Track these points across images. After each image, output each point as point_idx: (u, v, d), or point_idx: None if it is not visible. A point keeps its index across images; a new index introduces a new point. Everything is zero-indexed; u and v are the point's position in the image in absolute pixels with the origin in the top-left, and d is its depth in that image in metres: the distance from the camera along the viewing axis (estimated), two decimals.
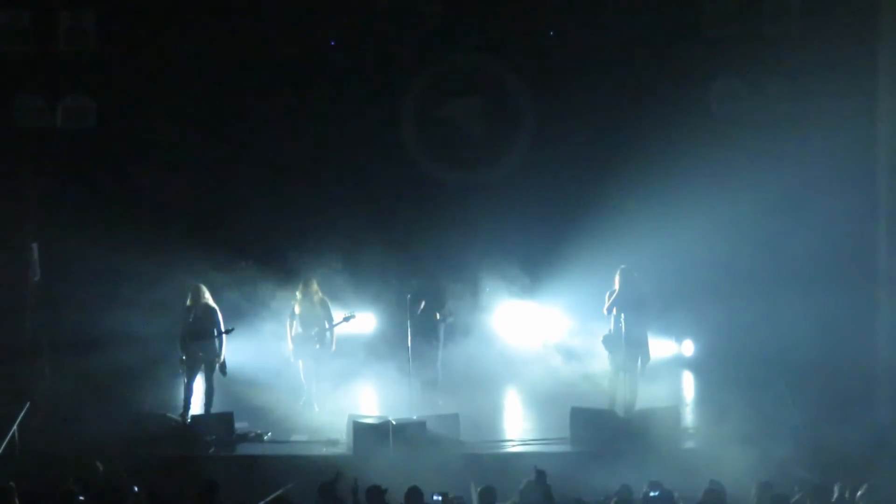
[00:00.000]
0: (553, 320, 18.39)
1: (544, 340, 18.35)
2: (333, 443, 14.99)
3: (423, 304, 16.64)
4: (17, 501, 11.11)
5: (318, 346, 16.45)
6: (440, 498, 11.61)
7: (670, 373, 17.78)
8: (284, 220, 17.94)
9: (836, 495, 11.57)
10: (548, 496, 11.36)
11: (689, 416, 16.24)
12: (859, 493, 11.36)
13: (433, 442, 14.62)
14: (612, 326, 15.51)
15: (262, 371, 16.81)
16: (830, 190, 16.85)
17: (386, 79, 17.93)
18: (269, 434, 15.44)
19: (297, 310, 16.55)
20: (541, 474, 11.44)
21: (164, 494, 11.70)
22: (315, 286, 16.59)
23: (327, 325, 16.53)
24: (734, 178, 17.02)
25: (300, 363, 16.58)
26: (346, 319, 16.68)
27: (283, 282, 17.33)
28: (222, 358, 15.75)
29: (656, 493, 11.28)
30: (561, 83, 18.05)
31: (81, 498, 11.32)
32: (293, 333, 16.51)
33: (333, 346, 16.54)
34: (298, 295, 16.57)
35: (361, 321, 17.72)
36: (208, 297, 15.84)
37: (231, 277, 17.45)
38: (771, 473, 12.32)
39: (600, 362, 16.07)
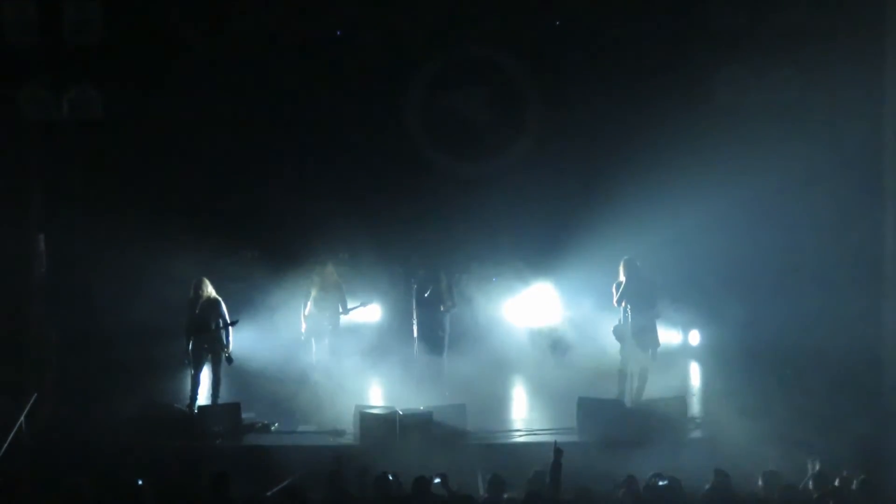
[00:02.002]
0: (559, 310, 18.41)
1: (550, 329, 18.37)
2: (340, 433, 15.01)
3: (429, 289, 16.68)
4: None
5: (330, 328, 16.75)
6: (439, 480, 11.63)
7: (677, 363, 17.80)
8: (291, 211, 17.92)
9: (841, 482, 11.58)
10: (557, 481, 11.33)
11: (695, 406, 16.27)
12: (862, 479, 11.38)
13: (440, 432, 14.64)
14: (621, 317, 15.55)
15: (269, 361, 16.83)
16: (836, 181, 16.82)
17: (392, 69, 17.91)
18: (277, 424, 15.46)
19: (312, 292, 16.82)
20: (559, 453, 11.42)
21: (171, 485, 11.72)
22: (331, 269, 16.95)
23: (341, 309, 16.84)
24: (740, 169, 16.99)
25: (313, 342, 16.79)
26: (362, 304, 17.10)
27: (289, 273, 17.40)
28: (229, 349, 15.79)
29: (664, 482, 11.28)
30: (567, 73, 18.03)
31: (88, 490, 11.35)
32: (307, 314, 16.80)
33: (343, 311, 16.84)
34: (315, 277, 16.86)
35: (368, 311, 17.86)
36: (212, 290, 15.90)
37: (237, 268, 17.49)
38: (777, 462, 12.32)
39: (608, 352, 16.08)
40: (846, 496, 11.40)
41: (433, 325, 16.73)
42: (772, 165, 16.86)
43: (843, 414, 14.73)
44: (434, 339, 16.75)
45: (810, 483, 11.73)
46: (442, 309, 16.81)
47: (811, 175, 16.90)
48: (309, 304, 16.90)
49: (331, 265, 17.07)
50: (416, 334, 16.81)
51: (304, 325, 16.92)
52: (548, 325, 18.39)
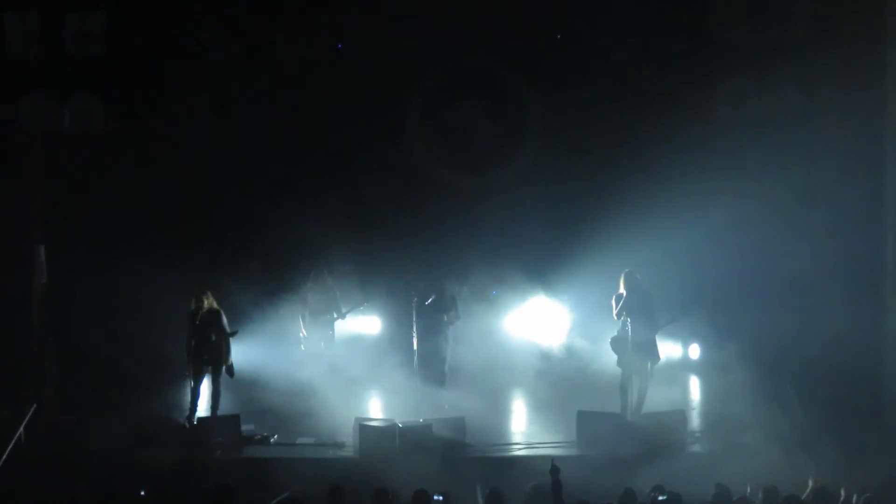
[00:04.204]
0: (560, 322, 18.41)
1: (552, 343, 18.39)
2: (340, 445, 15.00)
3: (432, 297, 16.69)
4: None
5: (329, 333, 17.10)
6: (441, 498, 11.62)
7: (677, 376, 17.80)
8: (292, 223, 17.91)
9: (842, 499, 11.56)
10: (559, 499, 11.32)
11: (695, 420, 16.25)
12: (866, 497, 11.34)
13: (439, 445, 14.62)
14: (619, 329, 15.53)
15: (268, 373, 16.83)
16: (837, 193, 16.81)
17: (393, 81, 17.94)
18: (276, 437, 15.44)
19: (309, 300, 17.14)
20: (556, 471, 11.41)
21: (170, 497, 11.71)
22: (327, 277, 17.29)
23: (336, 315, 17.11)
24: (740, 181, 17.00)
25: (311, 352, 17.08)
26: (357, 307, 17.40)
27: (290, 284, 17.44)
28: (229, 360, 15.79)
29: (664, 498, 11.25)
30: (567, 86, 18.06)
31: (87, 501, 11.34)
32: (305, 322, 17.20)
33: (339, 316, 17.27)
34: (311, 285, 17.19)
35: (368, 324, 17.96)
36: (213, 300, 15.90)
37: (238, 279, 17.49)
38: (778, 477, 12.29)
39: (608, 365, 16.07)
40: None
41: (435, 337, 16.72)
42: (772, 177, 16.87)
43: (843, 428, 14.71)
44: (435, 351, 16.74)
45: (811, 498, 11.70)
46: (445, 320, 16.81)
47: (812, 186, 16.90)
48: (306, 312, 17.18)
49: (326, 272, 17.33)
50: (415, 347, 16.80)
51: (303, 331, 17.19)
52: (550, 338, 18.40)
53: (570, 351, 18.16)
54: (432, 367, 16.77)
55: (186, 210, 17.95)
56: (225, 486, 11.28)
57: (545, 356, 18.29)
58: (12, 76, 16.39)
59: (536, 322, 18.51)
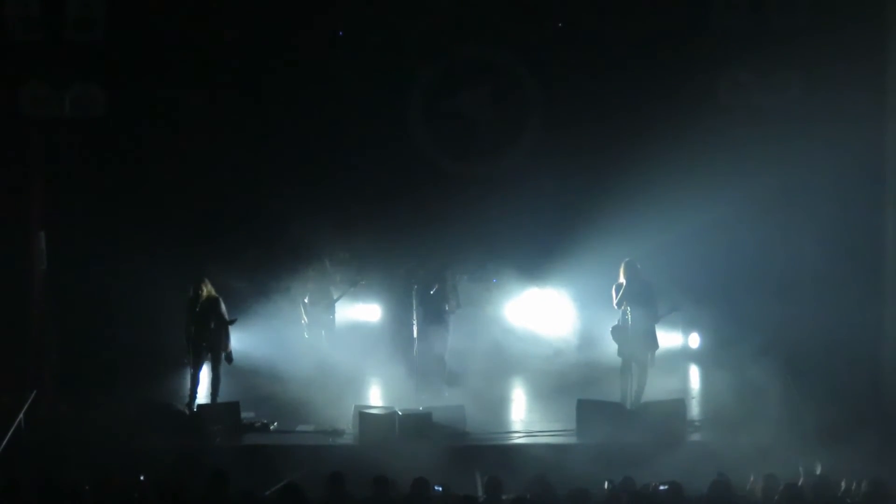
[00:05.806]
0: (560, 311, 18.41)
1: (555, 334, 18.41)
2: (339, 433, 15.01)
3: (436, 286, 16.67)
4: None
5: (330, 317, 17.32)
6: (441, 489, 11.63)
7: (677, 365, 17.81)
8: (292, 210, 17.90)
9: (842, 489, 11.57)
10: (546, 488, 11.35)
11: (694, 409, 16.26)
12: (864, 486, 11.35)
13: (439, 433, 14.63)
14: (620, 319, 15.53)
15: (268, 360, 16.85)
16: (838, 182, 16.80)
17: (394, 68, 17.92)
18: (275, 424, 15.44)
19: (309, 287, 17.27)
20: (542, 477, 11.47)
21: (170, 484, 11.71)
22: (327, 264, 17.50)
23: (335, 297, 17.36)
24: (741, 170, 16.98)
25: (312, 339, 17.24)
26: (354, 284, 17.50)
27: (290, 272, 17.43)
28: (228, 347, 15.80)
29: (665, 487, 11.25)
30: (569, 74, 18.04)
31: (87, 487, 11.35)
32: (306, 309, 17.34)
33: (336, 298, 17.45)
34: (311, 272, 17.33)
35: (368, 312, 17.95)
36: (212, 288, 15.90)
37: (238, 267, 17.48)
38: (777, 465, 12.30)
39: (608, 354, 16.07)
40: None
41: (435, 325, 16.71)
42: (773, 168, 16.84)
43: (842, 418, 14.71)
44: (435, 339, 16.73)
45: (811, 488, 11.70)
46: (447, 308, 16.79)
47: (812, 177, 16.88)
48: (306, 299, 17.28)
49: (327, 261, 17.47)
50: (416, 335, 16.80)
51: (304, 318, 17.31)
52: (551, 328, 18.40)
53: (570, 340, 18.15)
54: (432, 356, 16.75)
55: (187, 196, 17.91)
56: (219, 472, 11.30)
57: (546, 345, 18.28)
58: (12, 62, 16.35)
59: (537, 311, 18.51)
